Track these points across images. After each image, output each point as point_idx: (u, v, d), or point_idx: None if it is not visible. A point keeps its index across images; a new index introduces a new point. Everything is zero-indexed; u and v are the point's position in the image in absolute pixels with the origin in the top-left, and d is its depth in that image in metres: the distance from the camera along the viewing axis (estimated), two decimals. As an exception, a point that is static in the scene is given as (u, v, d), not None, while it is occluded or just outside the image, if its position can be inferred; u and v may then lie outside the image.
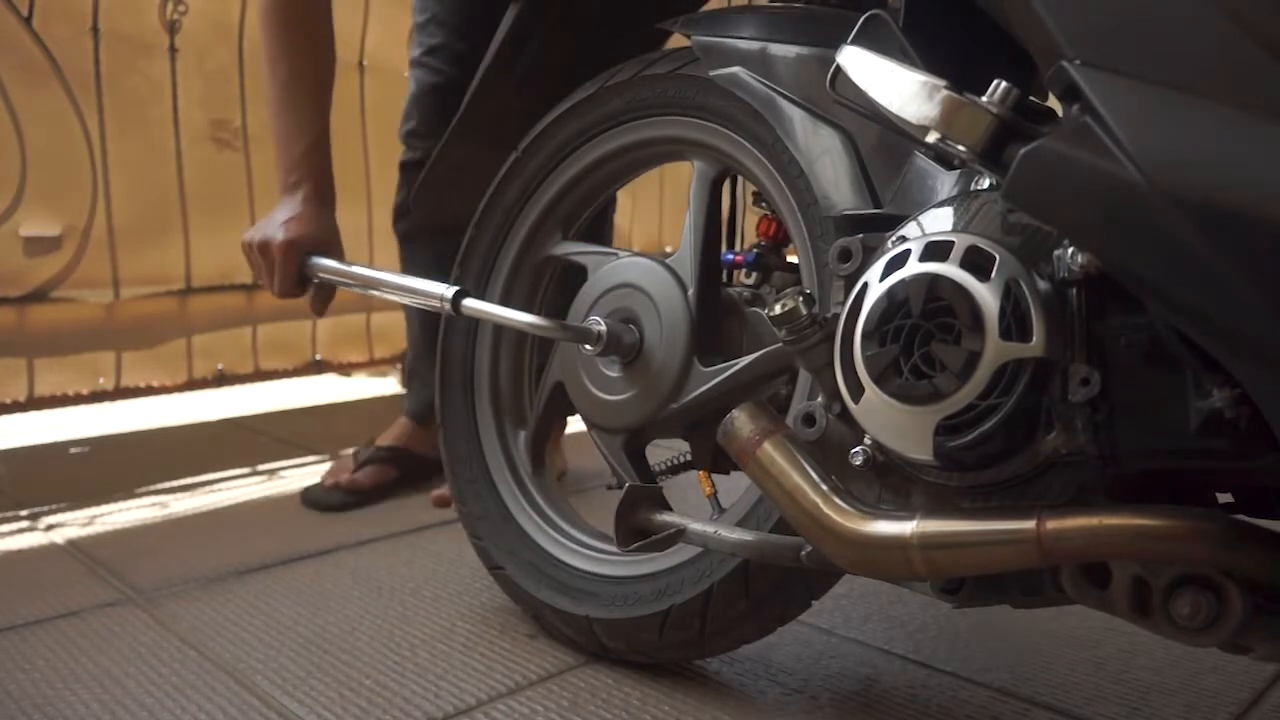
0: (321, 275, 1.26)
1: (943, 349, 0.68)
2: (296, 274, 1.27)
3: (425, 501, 1.70)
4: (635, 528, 0.98)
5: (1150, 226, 0.58)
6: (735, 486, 1.01)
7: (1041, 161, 0.63)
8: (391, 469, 1.76)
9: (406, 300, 1.19)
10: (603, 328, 1.05)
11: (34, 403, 2.13)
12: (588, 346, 1.07)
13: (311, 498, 1.70)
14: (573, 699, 1.04)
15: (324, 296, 1.31)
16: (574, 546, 1.17)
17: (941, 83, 0.70)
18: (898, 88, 0.72)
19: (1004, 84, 0.68)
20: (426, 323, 1.73)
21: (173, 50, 2.21)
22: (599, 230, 1.75)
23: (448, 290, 1.10)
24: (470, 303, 1.10)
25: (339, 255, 1.30)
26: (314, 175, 1.33)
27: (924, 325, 0.69)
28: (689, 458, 1.11)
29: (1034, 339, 0.66)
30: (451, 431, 1.29)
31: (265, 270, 1.29)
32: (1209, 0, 0.59)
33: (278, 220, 1.28)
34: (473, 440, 1.26)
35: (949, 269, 0.69)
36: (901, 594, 1.30)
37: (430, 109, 1.69)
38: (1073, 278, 0.66)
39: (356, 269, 1.24)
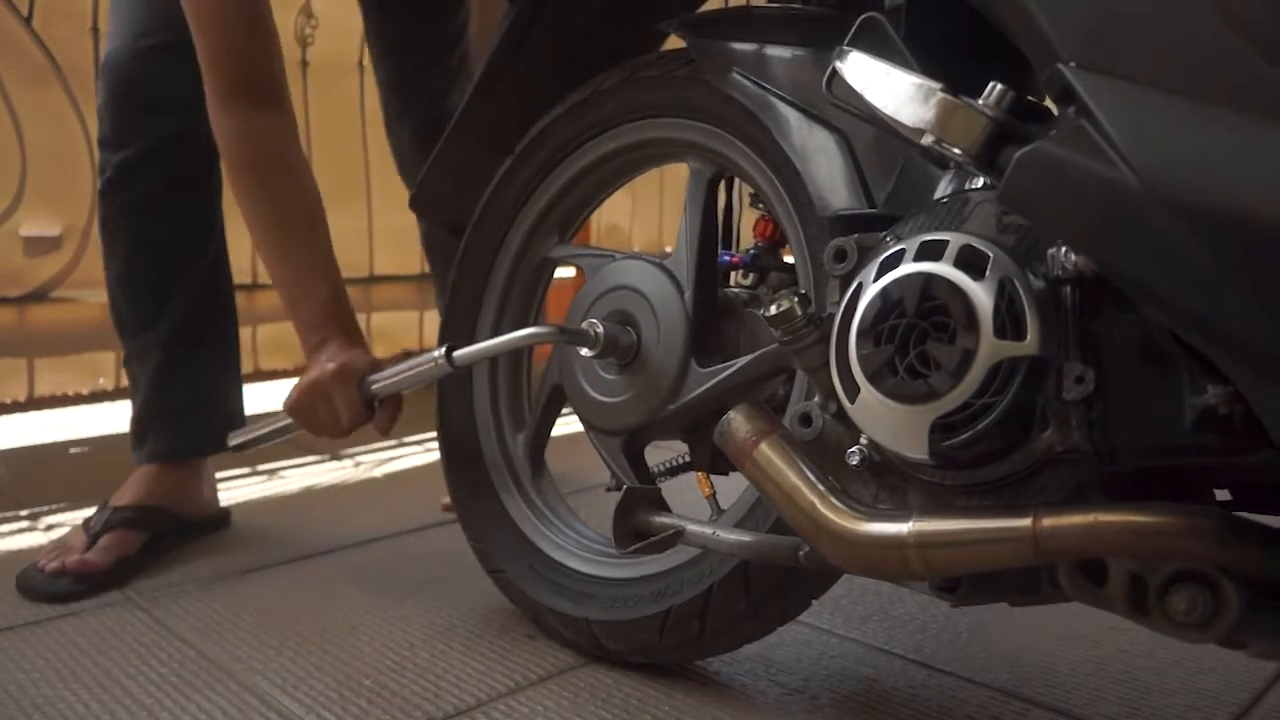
0: (384, 387, 1.20)
1: (938, 348, 0.68)
2: (361, 400, 1.20)
3: (426, 502, 1.70)
4: (634, 529, 0.98)
5: (1145, 229, 0.58)
6: (734, 487, 1.01)
7: (1037, 164, 0.63)
8: (136, 534, 1.39)
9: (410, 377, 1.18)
10: (600, 330, 1.05)
11: (34, 403, 2.13)
12: (585, 350, 1.07)
13: (30, 585, 1.30)
14: (573, 699, 1.04)
15: (392, 412, 1.24)
16: (573, 549, 1.17)
17: (937, 85, 0.70)
18: (893, 90, 0.72)
19: (999, 87, 0.68)
20: (165, 347, 1.45)
21: (173, 50, 2.21)
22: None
23: (437, 352, 1.13)
24: (460, 353, 1.13)
25: (369, 359, 1.24)
26: (339, 328, 1.23)
27: (919, 324, 0.70)
28: (687, 459, 1.11)
29: (1028, 337, 0.66)
30: (451, 433, 1.29)
31: (329, 414, 1.21)
32: (1204, 3, 0.59)
33: (316, 368, 1.20)
34: (471, 442, 1.27)
35: (943, 268, 0.69)
36: (901, 594, 1.30)
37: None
38: (1067, 276, 0.66)
39: (405, 367, 1.18)
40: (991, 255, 0.68)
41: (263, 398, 2.50)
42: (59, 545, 1.37)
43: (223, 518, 1.58)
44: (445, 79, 1.65)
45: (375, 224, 2.49)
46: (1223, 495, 0.75)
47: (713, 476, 1.07)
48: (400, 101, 1.67)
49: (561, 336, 1.07)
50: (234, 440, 1.40)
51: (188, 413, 1.48)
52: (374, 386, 1.20)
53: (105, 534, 1.36)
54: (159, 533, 1.43)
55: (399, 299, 2.69)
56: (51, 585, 1.30)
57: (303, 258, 1.23)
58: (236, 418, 1.55)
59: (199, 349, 1.48)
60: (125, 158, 1.38)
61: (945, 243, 0.70)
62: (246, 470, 1.91)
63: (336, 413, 1.21)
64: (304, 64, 2.41)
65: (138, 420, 1.48)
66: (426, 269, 2.71)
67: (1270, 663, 1.10)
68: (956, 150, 0.68)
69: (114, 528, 1.38)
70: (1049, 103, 0.69)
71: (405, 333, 2.73)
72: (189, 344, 1.47)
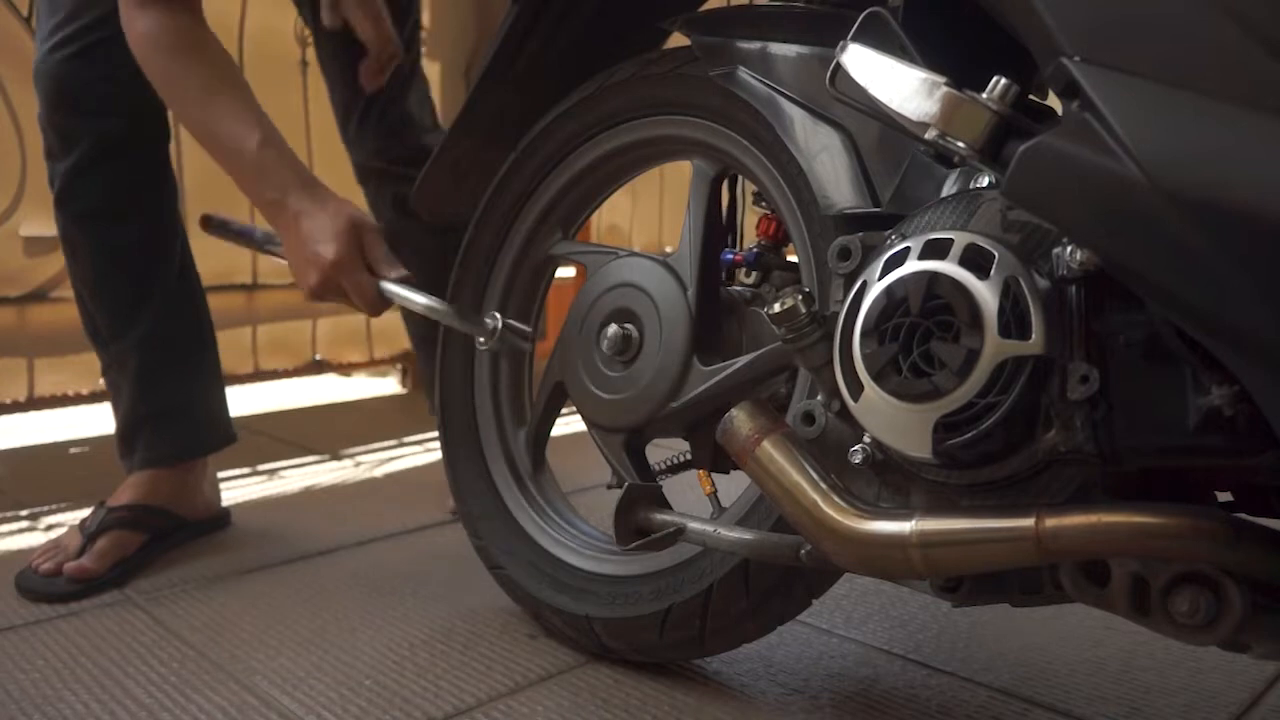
0: (392, 294, 1.16)
1: (942, 347, 0.68)
2: (374, 290, 1.15)
3: (426, 501, 1.70)
4: (635, 527, 0.98)
5: (1150, 223, 0.58)
6: (735, 486, 1.01)
7: (1041, 158, 0.63)
8: (135, 535, 1.38)
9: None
10: (498, 320, 1.13)
11: (34, 403, 2.13)
12: (480, 340, 1.14)
13: (27, 586, 1.30)
14: (573, 699, 1.04)
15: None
16: (574, 546, 1.17)
17: (941, 79, 0.70)
18: (897, 84, 0.72)
19: (1004, 81, 0.68)
20: (142, 352, 1.44)
21: (173, 50, 2.20)
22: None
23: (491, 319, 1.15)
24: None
25: (378, 232, 1.19)
26: (289, 177, 1.16)
27: (923, 323, 0.69)
28: (689, 457, 1.11)
29: (1033, 336, 0.66)
30: (451, 432, 1.28)
31: (348, 301, 1.17)
32: None
33: (300, 252, 1.15)
34: (472, 439, 1.26)
35: (948, 267, 0.69)
36: (902, 594, 1.30)
37: None
38: (1072, 275, 0.66)
39: (419, 297, 1.15)
40: (996, 254, 0.68)
41: (262, 398, 2.51)
42: (54, 546, 1.36)
43: (223, 518, 1.57)
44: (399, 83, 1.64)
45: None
46: (1224, 497, 0.74)
47: (714, 475, 1.06)
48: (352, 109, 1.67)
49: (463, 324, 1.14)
50: (213, 221, 1.35)
51: (176, 415, 1.47)
52: (384, 288, 1.16)
53: (101, 536, 1.35)
54: (157, 534, 1.42)
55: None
56: (48, 586, 1.29)
57: (231, 113, 1.17)
58: (222, 417, 1.54)
59: (178, 351, 1.47)
60: (70, 165, 1.36)
61: (950, 241, 0.70)
62: (246, 470, 1.90)
63: (349, 300, 1.17)
64: (304, 64, 2.40)
65: (125, 428, 1.47)
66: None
67: (1270, 663, 1.09)
68: (960, 144, 0.68)
69: (110, 529, 1.36)
70: (1053, 99, 0.69)
71: (405, 332, 2.72)
72: (167, 347, 1.45)
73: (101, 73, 1.31)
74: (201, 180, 2.21)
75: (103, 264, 1.41)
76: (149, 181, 1.44)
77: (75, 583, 1.30)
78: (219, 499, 1.58)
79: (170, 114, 1.37)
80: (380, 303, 1.16)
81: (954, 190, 0.78)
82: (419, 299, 1.13)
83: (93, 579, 1.31)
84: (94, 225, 1.40)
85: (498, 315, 1.15)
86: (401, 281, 1.16)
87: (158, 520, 1.42)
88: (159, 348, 1.44)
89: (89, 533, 1.35)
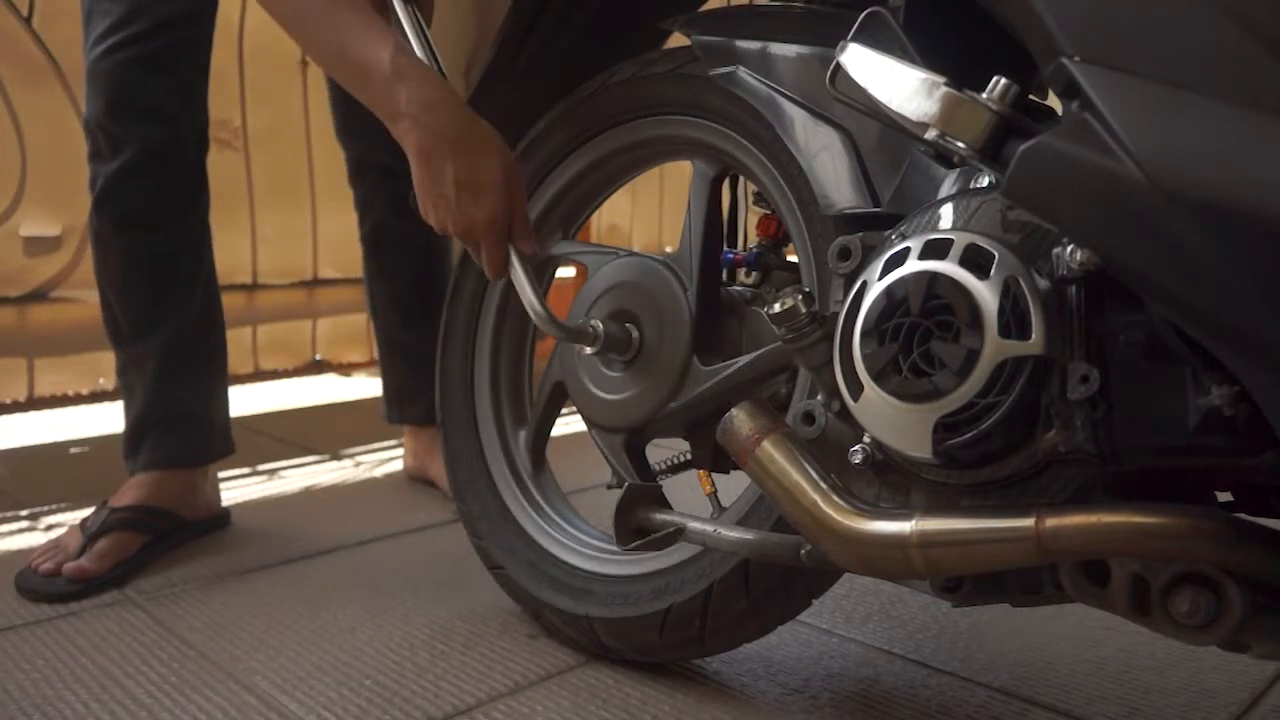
0: (514, 280, 1.04)
1: (942, 347, 0.68)
2: (504, 263, 1.02)
3: (426, 501, 1.70)
4: (635, 526, 0.98)
5: (1150, 223, 0.58)
6: (735, 486, 1.01)
7: (1041, 158, 0.63)
8: (136, 536, 1.38)
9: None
10: (600, 329, 1.05)
11: (34, 403, 2.13)
12: (586, 348, 1.06)
13: (27, 586, 1.30)
14: (573, 699, 1.04)
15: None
16: (574, 545, 1.17)
17: (941, 79, 0.70)
18: (897, 84, 0.72)
19: (1003, 80, 0.67)
20: (161, 356, 1.46)
21: (173, 50, 2.20)
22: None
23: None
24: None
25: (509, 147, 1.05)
26: (429, 90, 1.00)
27: (923, 323, 0.69)
28: (689, 457, 1.11)
29: (1033, 336, 0.66)
30: (452, 430, 1.29)
31: (473, 252, 1.05)
32: None
33: (453, 183, 0.98)
34: (472, 439, 1.26)
35: (948, 267, 0.69)
36: (902, 594, 1.30)
37: None
38: (1072, 275, 0.66)
39: (532, 294, 1.03)
40: (996, 254, 0.68)
41: (262, 398, 2.51)
42: (54, 546, 1.36)
43: (223, 518, 1.58)
44: None
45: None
46: (1224, 497, 0.74)
47: (714, 475, 1.06)
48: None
49: (562, 333, 1.06)
50: None
51: (186, 421, 1.48)
52: (513, 264, 1.03)
53: (102, 537, 1.35)
54: (159, 534, 1.42)
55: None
56: (48, 587, 1.30)
57: (360, 28, 1.02)
58: (226, 425, 1.56)
59: (195, 358, 1.49)
60: (116, 169, 1.37)
61: (950, 241, 0.70)
62: (246, 470, 1.90)
63: (475, 253, 1.04)
64: (304, 64, 2.41)
65: (134, 429, 1.48)
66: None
67: (1270, 663, 1.09)
68: (960, 144, 0.68)
69: (112, 530, 1.36)
70: (1053, 99, 0.69)
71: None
72: (186, 353, 1.47)
73: (160, 79, 1.32)
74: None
75: (133, 267, 1.43)
76: (188, 191, 1.46)
77: (74, 583, 1.30)
78: (219, 499, 1.59)
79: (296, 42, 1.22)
80: (503, 272, 1.04)
81: (954, 190, 0.78)
82: (531, 296, 1.02)
83: (92, 580, 1.31)
84: (129, 229, 1.42)
85: (598, 324, 1.05)
86: (526, 263, 1.04)
87: (160, 521, 1.43)
88: (178, 354, 1.46)
89: (90, 533, 1.35)
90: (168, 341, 1.45)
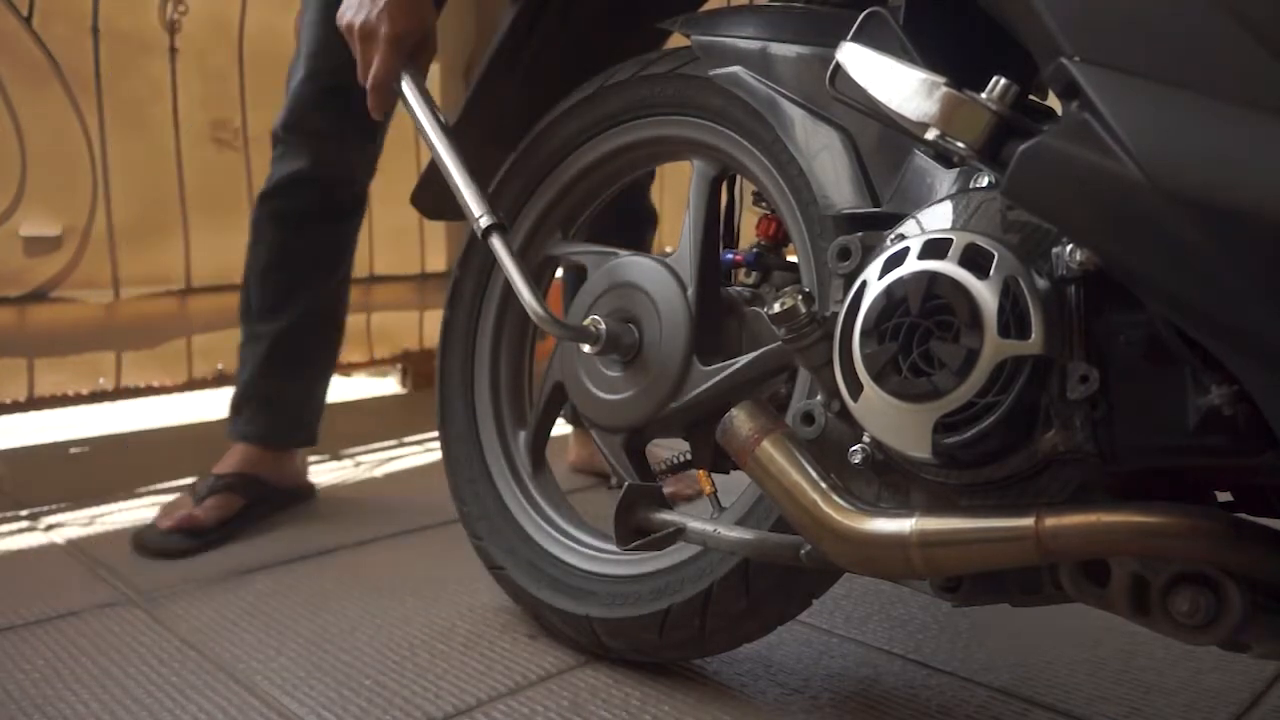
0: (403, 99, 1.14)
1: (941, 346, 0.68)
2: (395, 75, 1.13)
3: (425, 501, 1.70)
4: (635, 526, 0.97)
5: (1149, 223, 0.58)
6: (735, 486, 1.01)
7: (1041, 158, 0.63)
8: (236, 498, 1.57)
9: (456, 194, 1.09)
10: (603, 328, 1.05)
11: (34, 403, 2.13)
12: (587, 346, 1.06)
13: (145, 542, 1.48)
14: (573, 699, 1.04)
15: (390, 106, 1.18)
16: (574, 546, 1.17)
17: (941, 80, 0.70)
18: (897, 85, 0.72)
19: (1003, 81, 0.68)
20: (276, 341, 1.63)
21: (173, 50, 2.21)
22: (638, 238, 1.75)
23: (486, 218, 1.06)
24: (497, 241, 1.06)
25: (433, 51, 1.18)
26: None
27: (923, 323, 0.69)
28: (689, 457, 1.11)
29: (1032, 336, 0.66)
30: (451, 432, 1.28)
31: (361, 60, 1.15)
32: None
33: (378, 2, 1.11)
34: (473, 440, 1.26)
35: (948, 266, 0.69)
36: (902, 594, 1.30)
37: None
38: (1071, 275, 0.66)
39: (430, 126, 1.11)
40: (996, 254, 0.68)
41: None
42: (170, 507, 1.55)
43: (309, 490, 1.74)
44: None
45: (375, 224, 2.49)
46: (1224, 498, 0.74)
47: (714, 475, 1.06)
48: None
49: (564, 331, 1.06)
50: None
51: (279, 405, 1.65)
52: (402, 90, 1.14)
53: (210, 497, 1.54)
54: (255, 498, 1.60)
55: (399, 299, 2.69)
56: (165, 541, 1.47)
57: None
58: (314, 419, 1.72)
59: (303, 353, 1.66)
60: (286, 173, 1.56)
61: (950, 241, 0.70)
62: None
63: (367, 68, 1.15)
64: (304, 64, 2.41)
65: (237, 398, 1.67)
66: (426, 269, 2.72)
67: (1270, 663, 1.09)
68: (960, 145, 0.68)
69: (218, 491, 1.56)
70: (1053, 99, 0.69)
71: (405, 332, 2.73)
72: (296, 346, 1.64)
73: (354, 122, 1.40)
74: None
75: (275, 260, 1.61)
76: (343, 213, 1.65)
77: (189, 535, 1.48)
78: (307, 471, 1.76)
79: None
80: (385, 83, 1.13)
81: (954, 190, 0.78)
82: (529, 296, 1.03)
83: (200, 529, 1.49)
84: (283, 225, 1.60)
85: (600, 322, 1.06)
86: (419, 91, 1.13)
87: (255, 487, 1.61)
88: (288, 344, 1.63)
89: (199, 495, 1.55)
90: (283, 331, 1.62)
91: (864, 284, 0.74)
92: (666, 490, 1.28)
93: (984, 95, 0.68)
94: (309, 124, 1.55)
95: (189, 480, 1.82)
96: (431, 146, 1.11)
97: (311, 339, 1.67)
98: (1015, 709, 1.02)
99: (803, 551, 0.84)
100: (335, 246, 1.67)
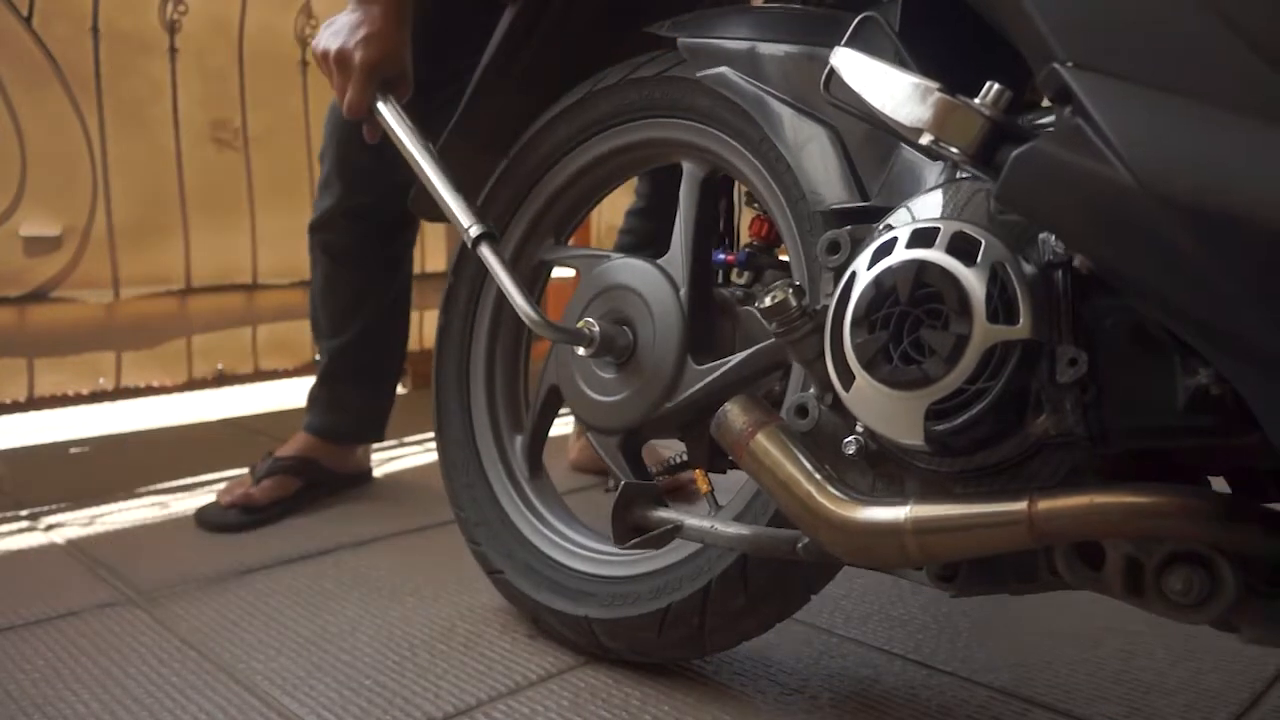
0: (382, 121, 1.17)
1: (931, 334, 0.68)
2: (369, 101, 1.18)
3: (425, 501, 1.70)
4: (632, 525, 0.98)
5: (1142, 228, 0.58)
6: (732, 485, 1.01)
7: (1033, 163, 0.63)
8: (294, 480, 1.68)
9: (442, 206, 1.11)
10: (596, 330, 1.05)
11: (34, 403, 2.14)
12: (581, 349, 1.07)
13: (206, 518, 1.60)
14: (573, 699, 1.04)
15: (379, 131, 1.22)
16: (572, 548, 1.17)
17: (934, 85, 0.70)
18: (891, 90, 0.72)
19: (996, 86, 0.68)
20: (337, 354, 1.75)
21: (173, 50, 2.22)
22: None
23: (475, 227, 1.07)
24: (486, 250, 1.07)
25: (409, 86, 1.22)
26: None
27: (912, 311, 0.70)
28: (685, 457, 1.11)
29: (1021, 321, 0.66)
30: (448, 437, 1.29)
31: (337, 86, 1.20)
32: (1202, 3, 0.59)
33: (354, 32, 1.16)
34: (469, 445, 1.26)
35: (935, 255, 0.69)
36: (902, 594, 1.30)
37: None
38: (1058, 260, 0.67)
39: (412, 145, 1.14)
40: (983, 241, 0.68)
41: (262, 398, 2.51)
42: (232, 485, 1.65)
43: (367, 475, 1.85)
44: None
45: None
46: (1219, 486, 0.75)
47: (710, 474, 1.07)
48: None
49: (558, 334, 1.07)
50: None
51: (340, 407, 1.76)
52: (380, 113, 1.18)
53: (267, 478, 1.65)
54: (312, 481, 1.70)
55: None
56: (224, 517, 1.59)
57: None
58: (375, 421, 1.81)
59: (360, 366, 1.77)
60: (328, 206, 1.66)
61: (937, 230, 0.70)
62: (247, 470, 1.90)
63: (343, 94, 1.19)
64: (304, 64, 2.41)
65: (311, 394, 1.79)
66: (426, 270, 2.72)
67: (1270, 663, 1.10)
68: (954, 150, 0.68)
69: (276, 473, 1.66)
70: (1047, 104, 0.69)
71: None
72: (355, 360, 1.76)
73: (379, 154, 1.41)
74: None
75: (329, 286, 1.74)
76: (389, 240, 1.72)
77: (245, 511, 1.59)
78: (368, 458, 1.87)
79: None
80: (361, 110, 1.18)
81: (941, 180, 0.78)
82: (522, 301, 1.04)
83: (255, 506, 1.60)
84: (330, 256, 1.71)
85: (593, 324, 1.07)
86: (397, 113, 1.17)
87: (313, 471, 1.71)
88: (353, 354, 1.75)
89: (258, 476, 1.65)
90: (342, 347, 1.74)
91: (853, 275, 0.74)
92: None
93: (977, 100, 0.68)
94: (343, 153, 1.61)
95: (189, 480, 1.84)
96: (415, 165, 1.14)
97: (369, 354, 1.77)
98: (1015, 709, 1.02)
99: (800, 545, 0.85)
100: (387, 264, 1.75)
